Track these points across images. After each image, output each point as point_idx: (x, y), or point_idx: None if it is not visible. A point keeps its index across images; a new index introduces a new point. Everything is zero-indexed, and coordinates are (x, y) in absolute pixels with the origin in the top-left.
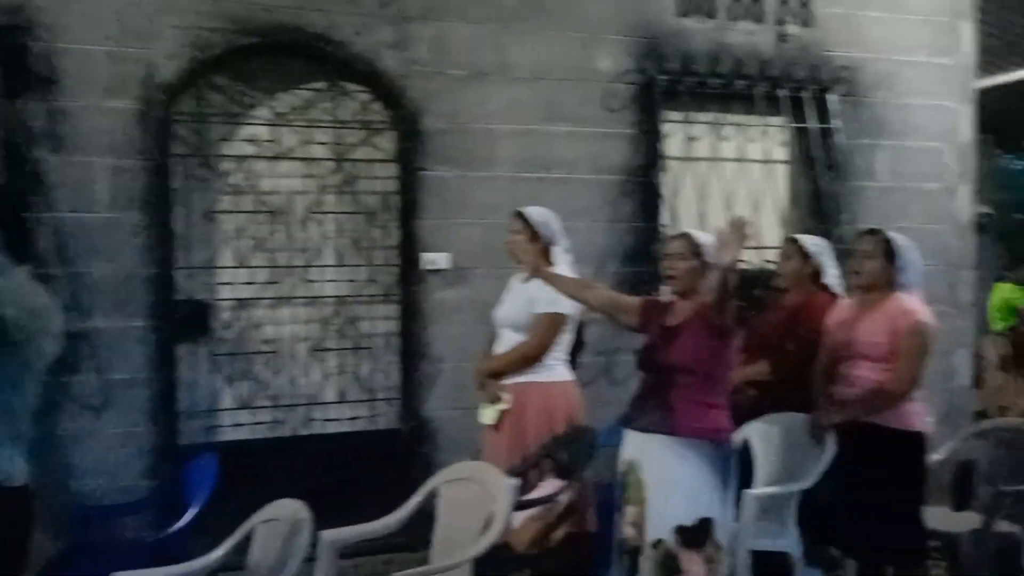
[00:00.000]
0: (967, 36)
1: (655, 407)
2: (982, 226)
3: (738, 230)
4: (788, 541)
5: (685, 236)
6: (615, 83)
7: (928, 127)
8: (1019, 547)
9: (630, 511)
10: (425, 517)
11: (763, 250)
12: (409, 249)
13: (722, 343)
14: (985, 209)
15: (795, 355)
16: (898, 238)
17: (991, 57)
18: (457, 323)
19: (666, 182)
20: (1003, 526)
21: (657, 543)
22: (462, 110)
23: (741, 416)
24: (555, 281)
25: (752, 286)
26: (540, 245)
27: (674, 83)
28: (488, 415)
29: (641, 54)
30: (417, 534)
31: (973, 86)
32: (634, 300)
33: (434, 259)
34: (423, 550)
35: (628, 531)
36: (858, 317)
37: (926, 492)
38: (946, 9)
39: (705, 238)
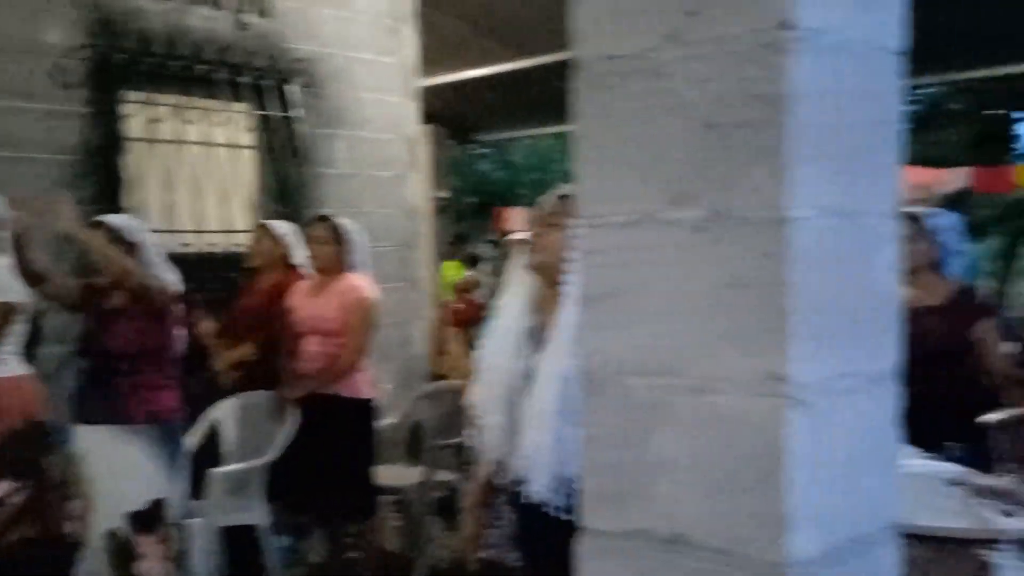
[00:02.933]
0: (408, 38)
1: (99, 395)
2: (440, 209)
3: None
4: (257, 514)
5: (103, 223)
6: (67, 58)
7: (379, 119)
8: (457, 492)
9: (77, 505)
10: None
11: (234, 234)
12: None
13: (158, 323)
14: (442, 193)
15: (277, 335)
16: (346, 223)
17: (436, 57)
18: None
19: (128, 165)
20: (444, 475)
21: (109, 533)
22: None
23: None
24: None
25: (224, 269)
26: None
27: (132, 62)
28: None
29: (95, 30)
30: None
31: (416, 83)
32: (72, 283)
33: None
34: None
35: (75, 527)
36: (314, 296)
37: (378, 453)
38: (389, 12)
39: (122, 221)
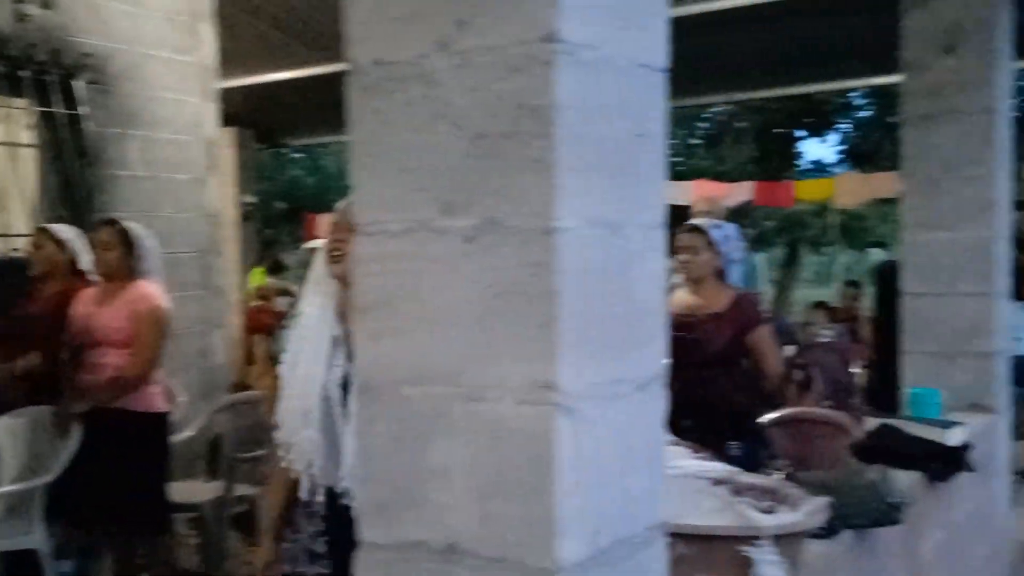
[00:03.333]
0: (207, 37)
1: None
2: (247, 215)
3: None
4: (36, 537)
5: None
6: None
7: (175, 120)
8: (257, 506)
9: None
10: None
11: (11, 238)
12: None
13: None
14: (249, 199)
15: (60, 345)
16: (135, 227)
17: (241, 58)
18: None
19: None
20: (244, 489)
21: None
22: None
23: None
24: None
25: (1, 276)
26: None
27: None
28: None
29: None
30: None
31: (215, 84)
32: None
33: None
34: None
35: None
36: (101, 305)
37: (173, 468)
38: (186, 9)
39: None
